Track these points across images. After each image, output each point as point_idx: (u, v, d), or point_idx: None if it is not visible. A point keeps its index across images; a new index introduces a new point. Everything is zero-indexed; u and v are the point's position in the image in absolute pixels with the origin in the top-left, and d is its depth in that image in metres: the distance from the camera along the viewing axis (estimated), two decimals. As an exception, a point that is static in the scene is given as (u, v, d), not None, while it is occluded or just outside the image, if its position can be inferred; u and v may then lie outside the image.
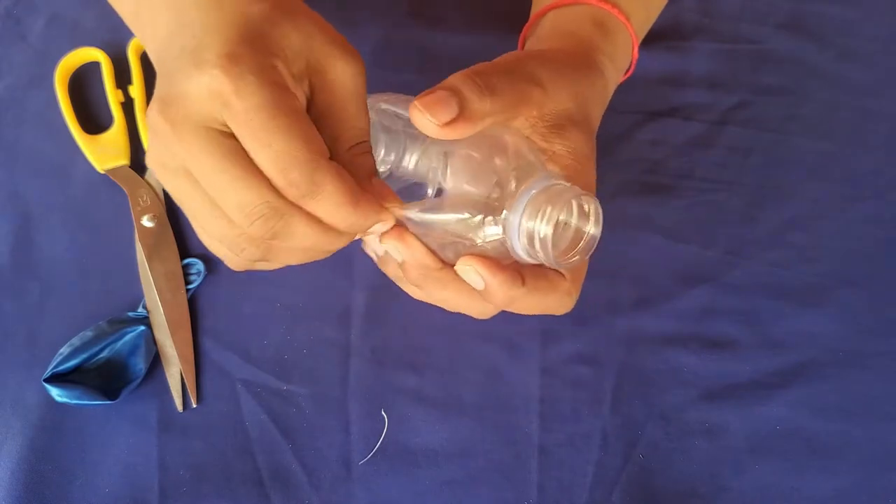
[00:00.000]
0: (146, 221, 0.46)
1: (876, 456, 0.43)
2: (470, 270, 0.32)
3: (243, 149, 0.27)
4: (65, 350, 0.43)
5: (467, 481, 0.42)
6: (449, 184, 0.33)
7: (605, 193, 0.50)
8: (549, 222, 0.30)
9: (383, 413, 0.44)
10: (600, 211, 0.32)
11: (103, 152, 0.49)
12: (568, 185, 0.32)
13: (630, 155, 0.51)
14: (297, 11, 0.30)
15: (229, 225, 0.29)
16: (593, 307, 0.46)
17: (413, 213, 0.32)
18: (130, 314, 0.45)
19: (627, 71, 0.44)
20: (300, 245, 0.30)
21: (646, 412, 0.44)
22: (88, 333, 0.44)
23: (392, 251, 0.34)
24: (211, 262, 0.48)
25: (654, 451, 0.43)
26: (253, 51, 0.27)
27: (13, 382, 0.44)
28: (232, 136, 0.27)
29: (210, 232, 0.31)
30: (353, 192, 0.28)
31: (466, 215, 0.32)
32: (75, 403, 0.43)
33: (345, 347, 0.45)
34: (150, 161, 0.30)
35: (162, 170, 0.30)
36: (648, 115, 0.52)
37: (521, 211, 0.31)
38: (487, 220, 0.32)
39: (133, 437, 0.43)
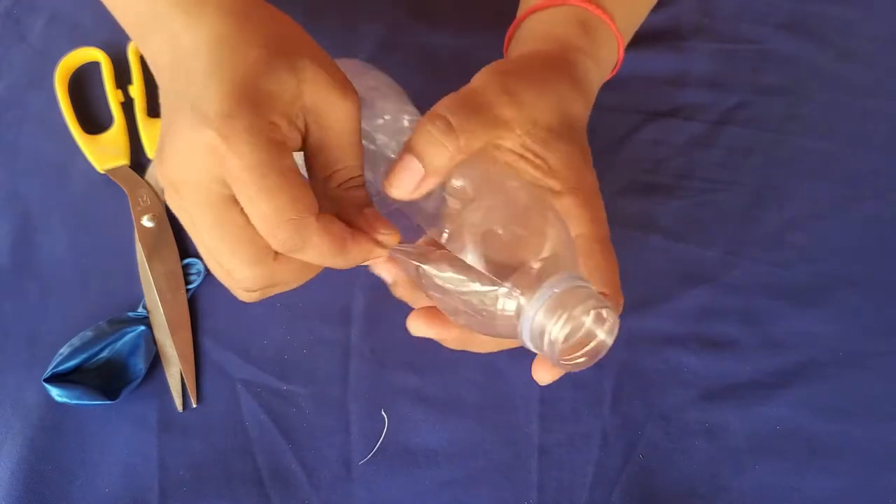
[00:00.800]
0: (146, 221, 0.46)
1: (876, 456, 0.43)
2: (418, 326, 0.35)
3: (239, 205, 0.29)
4: (65, 350, 0.43)
5: (467, 481, 0.42)
6: (457, 239, 0.32)
7: (605, 193, 0.50)
8: (563, 327, 0.30)
9: (383, 413, 0.44)
10: (617, 323, 0.31)
11: (103, 152, 0.49)
12: (591, 288, 0.31)
13: (630, 155, 0.51)
14: (296, 52, 0.30)
15: (226, 275, 0.31)
16: (593, 307, 0.46)
17: (405, 251, 0.33)
18: (130, 314, 0.45)
19: (613, 69, 0.44)
20: (295, 284, 0.34)
21: (646, 412, 0.44)
22: (88, 333, 0.44)
23: (381, 273, 0.36)
24: (211, 262, 0.48)
25: (654, 451, 0.43)
26: (249, 107, 0.28)
27: (13, 382, 0.44)
28: (229, 190, 0.29)
29: (213, 271, 0.32)
30: (340, 242, 0.30)
31: (478, 285, 0.31)
32: (75, 403, 0.43)
33: (345, 347, 0.45)
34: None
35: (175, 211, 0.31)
36: (648, 115, 0.52)
37: (540, 306, 0.30)
38: (500, 292, 0.31)
39: (133, 437, 0.43)
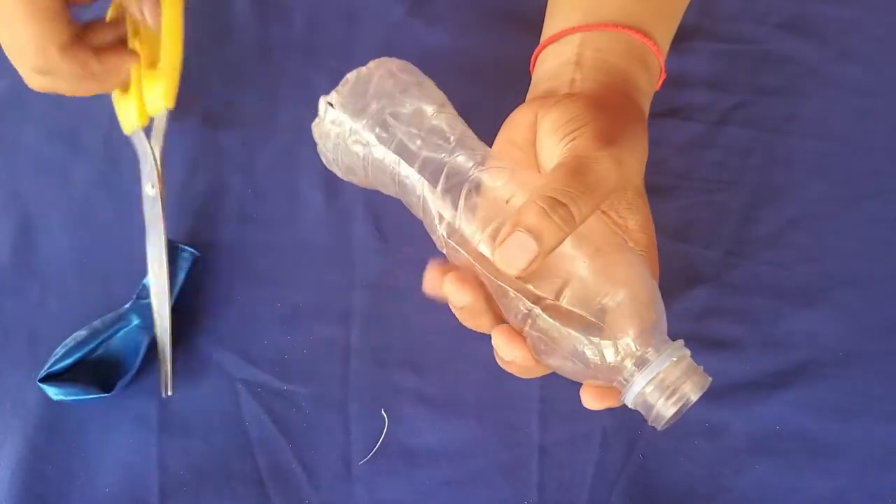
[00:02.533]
0: (148, 189, 0.46)
1: (876, 456, 0.43)
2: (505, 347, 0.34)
3: None
4: (59, 351, 0.43)
5: (467, 481, 0.42)
6: (564, 289, 0.32)
7: (605, 193, 0.50)
8: (675, 405, 0.32)
9: (383, 413, 0.44)
10: (707, 387, 0.33)
11: (126, 113, 0.47)
12: (693, 363, 0.33)
13: (630, 155, 0.51)
14: None
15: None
16: (593, 307, 0.46)
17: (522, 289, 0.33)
18: (135, 298, 0.46)
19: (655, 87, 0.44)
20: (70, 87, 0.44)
21: (646, 412, 0.44)
22: (82, 333, 0.44)
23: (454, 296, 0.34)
24: (205, 251, 0.48)
25: (654, 451, 0.43)
26: None
27: (13, 382, 0.44)
28: None
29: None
30: (83, 65, 0.42)
31: (582, 337, 0.32)
32: (72, 400, 0.43)
33: (345, 347, 0.45)
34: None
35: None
36: (649, 116, 0.52)
37: (650, 378, 0.31)
38: (604, 345, 0.32)
39: (133, 436, 0.43)
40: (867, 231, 0.49)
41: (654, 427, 0.32)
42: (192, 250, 0.47)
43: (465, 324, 0.35)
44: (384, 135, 0.38)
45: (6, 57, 0.55)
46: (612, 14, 0.39)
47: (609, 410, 0.43)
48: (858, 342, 0.45)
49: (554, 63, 0.40)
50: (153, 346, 0.45)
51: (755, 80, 0.54)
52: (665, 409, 0.32)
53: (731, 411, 0.44)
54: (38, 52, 0.39)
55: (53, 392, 0.42)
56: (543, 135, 0.35)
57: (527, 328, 0.33)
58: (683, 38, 0.55)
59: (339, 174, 0.43)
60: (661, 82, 0.43)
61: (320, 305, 0.47)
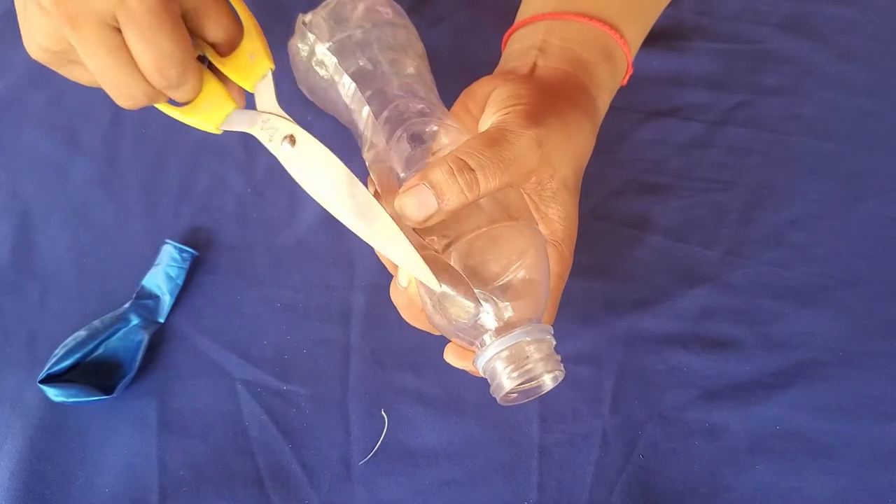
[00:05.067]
0: (286, 145, 0.37)
1: (876, 456, 0.43)
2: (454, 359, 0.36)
3: (126, 46, 0.32)
4: (59, 352, 0.43)
5: (467, 481, 0.42)
6: (456, 246, 0.33)
7: (606, 193, 0.50)
8: (516, 379, 0.32)
9: (383, 413, 0.44)
10: (560, 380, 0.34)
11: (208, 112, 0.38)
12: (552, 350, 0.33)
13: (630, 155, 0.51)
14: None
15: (115, 88, 0.34)
16: (593, 307, 0.46)
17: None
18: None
19: (622, 82, 0.44)
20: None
21: (646, 412, 0.44)
22: (81, 333, 0.44)
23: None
24: (205, 251, 0.48)
25: (654, 451, 0.43)
26: None
27: (13, 382, 0.44)
28: (119, 32, 0.31)
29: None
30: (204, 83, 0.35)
31: (466, 303, 0.32)
32: (72, 402, 0.43)
33: (345, 347, 0.45)
34: (30, 44, 0.34)
35: (43, 53, 0.34)
36: (648, 115, 0.52)
37: (500, 350, 0.32)
38: (479, 311, 0.33)
39: (133, 436, 0.43)
40: (867, 231, 0.49)
41: (494, 398, 0.33)
42: (192, 250, 0.47)
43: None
44: (346, 60, 0.39)
45: (5, 57, 0.55)
46: (584, 5, 0.40)
47: (609, 410, 0.44)
48: (858, 342, 0.45)
49: (520, 46, 0.41)
50: (152, 345, 0.45)
51: (755, 79, 0.54)
52: (506, 381, 0.32)
53: (731, 411, 0.44)
54: (177, 66, 0.33)
55: (54, 393, 0.42)
56: (487, 106, 0.36)
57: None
58: (683, 38, 0.55)
59: (306, 94, 0.44)
60: (627, 77, 0.43)
61: (320, 305, 0.47)
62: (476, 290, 0.32)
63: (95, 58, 0.32)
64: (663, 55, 0.54)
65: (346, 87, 0.40)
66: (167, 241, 0.47)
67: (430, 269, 0.32)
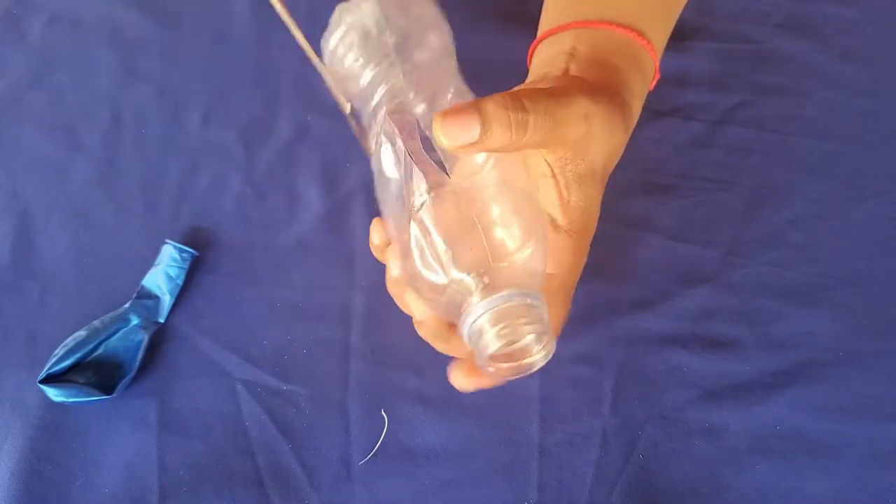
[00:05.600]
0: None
1: (876, 456, 0.43)
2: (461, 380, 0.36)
3: None
4: (59, 352, 0.43)
5: (467, 481, 0.42)
6: (448, 204, 0.32)
7: (606, 193, 0.50)
8: (501, 339, 0.30)
9: (383, 413, 0.44)
10: (552, 352, 0.31)
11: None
12: (544, 312, 0.31)
13: (630, 154, 0.51)
14: None
15: None
16: (593, 307, 0.46)
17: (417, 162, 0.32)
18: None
19: (651, 83, 0.44)
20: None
21: (646, 412, 0.44)
22: (81, 333, 0.44)
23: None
24: (205, 251, 0.48)
25: (654, 451, 0.43)
26: None
27: (13, 382, 0.44)
28: None
29: None
30: None
31: (448, 258, 0.31)
32: (72, 402, 0.43)
33: (345, 347, 0.45)
34: None
35: None
36: (648, 115, 0.52)
37: (491, 308, 0.30)
38: (464, 276, 0.31)
39: (133, 436, 0.43)
40: (867, 231, 0.49)
41: (484, 365, 0.31)
42: (192, 250, 0.47)
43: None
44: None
45: (5, 57, 0.55)
46: (608, 13, 0.40)
47: (609, 410, 0.44)
48: (858, 342, 0.45)
49: (548, 54, 0.40)
50: (152, 345, 0.45)
51: (755, 79, 0.54)
52: (493, 340, 0.29)
53: (731, 411, 0.44)
54: None
55: (54, 393, 0.42)
56: (536, 82, 0.36)
57: (410, 227, 0.32)
58: (683, 38, 0.55)
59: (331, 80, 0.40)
60: (654, 83, 0.43)
61: (320, 305, 0.47)
62: (470, 249, 0.30)
63: None
64: (664, 55, 0.54)
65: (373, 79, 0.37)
66: (167, 241, 0.47)
67: (438, 220, 0.31)
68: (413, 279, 0.32)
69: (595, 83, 0.36)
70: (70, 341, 0.44)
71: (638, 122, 0.52)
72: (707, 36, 0.55)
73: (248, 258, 0.48)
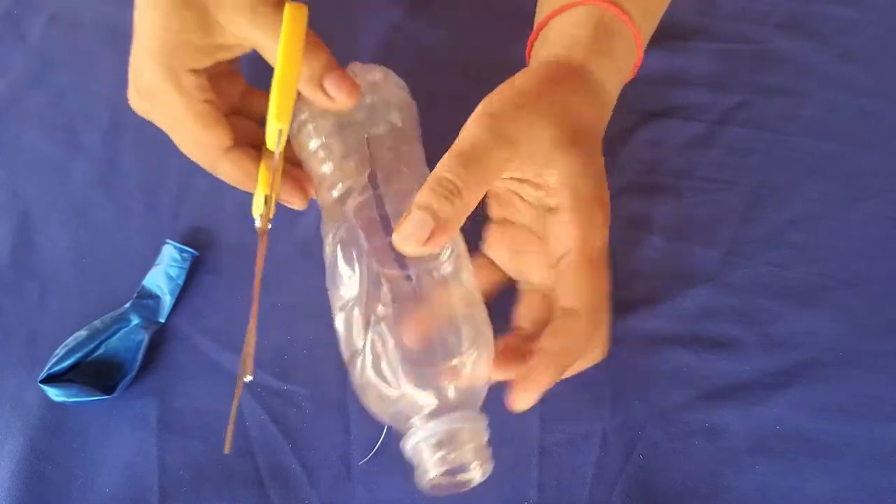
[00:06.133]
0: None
1: (876, 456, 0.43)
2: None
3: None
4: (60, 351, 0.43)
5: (467, 481, 0.42)
6: (397, 321, 0.34)
7: (605, 193, 0.50)
8: (442, 465, 0.32)
9: (383, 413, 0.44)
10: (489, 472, 0.34)
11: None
12: (484, 441, 0.33)
13: (630, 155, 0.51)
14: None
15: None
16: (593, 307, 0.46)
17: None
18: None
19: (634, 67, 0.44)
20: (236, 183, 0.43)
21: (646, 412, 0.44)
22: (82, 333, 0.44)
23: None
24: (205, 251, 0.48)
25: (654, 451, 0.43)
26: (156, 62, 0.38)
27: (13, 382, 0.44)
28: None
29: None
30: (243, 174, 0.42)
31: (399, 376, 0.33)
32: (73, 402, 0.43)
33: (345, 347, 0.45)
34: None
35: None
36: (648, 115, 0.52)
37: (431, 435, 0.32)
38: (412, 393, 0.33)
39: (133, 436, 0.43)
40: (867, 231, 0.49)
41: (417, 483, 0.33)
42: (192, 250, 0.47)
43: None
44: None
45: (5, 57, 0.55)
46: None
47: (609, 410, 0.44)
48: (858, 342, 0.45)
49: (533, 54, 0.42)
50: (153, 345, 0.45)
51: (755, 80, 0.54)
52: (433, 466, 0.32)
53: (731, 411, 0.44)
54: (202, 155, 0.41)
55: (54, 393, 0.42)
56: None
57: (366, 332, 0.35)
58: (683, 38, 0.55)
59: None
60: (639, 43, 0.42)
61: (320, 305, 0.46)
62: (413, 371, 0.33)
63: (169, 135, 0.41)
64: (663, 55, 0.54)
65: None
66: (167, 241, 0.47)
67: (396, 337, 0.34)
68: (364, 385, 0.34)
69: (514, 84, 0.37)
70: (70, 341, 0.44)
71: (637, 123, 0.52)
72: (707, 36, 0.55)
73: (249, 258, 0.48)
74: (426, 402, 0.33)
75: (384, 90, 0.42)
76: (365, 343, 0.34)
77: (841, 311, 0.46)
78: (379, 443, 0.43)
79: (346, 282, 0.37)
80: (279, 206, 0.50)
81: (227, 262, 0.48)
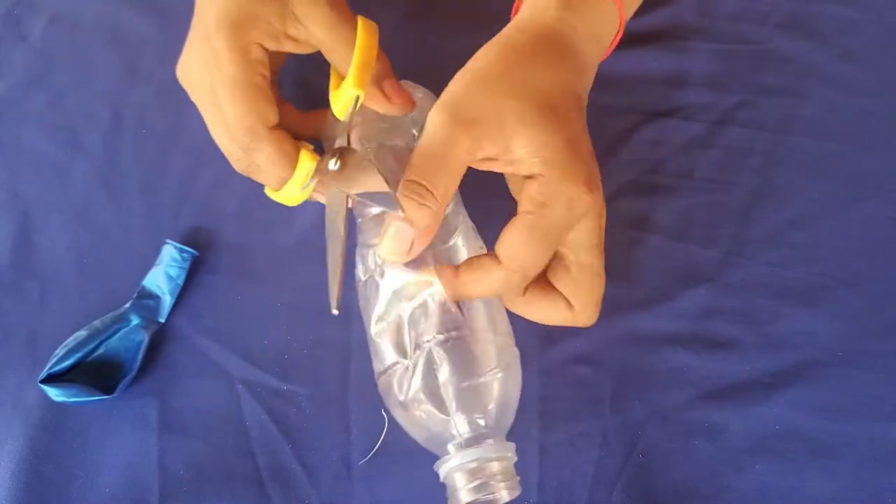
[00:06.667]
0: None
1: (876, 456, 0.43)
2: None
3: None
4: (60, 351, 0.43)
5: (467, 481, 0.42)
6: (430, 363, 0.36)
7: (606, 194, 0.50)
8: (473, 493, 0.34)
9: (383, 413, 0.44)
10: (517, 492, 0.35)
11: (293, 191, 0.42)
12: (513, 468, 0.36)
13: (630, 155, 0.51)
14: None
15: (224, 151, 0.41)
16: (593, 307, 0.46)
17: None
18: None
19: (617, 33, 0.43)
20: (266, 179, 0.41)
21: (646, 412, 0.44)
22: (82, 333, 0.44)
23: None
24: (205, 251, 0.48)
25: (654, 451, 0.43)
26: (229, 30, 0.38)
27: (13, 382, 0.44)
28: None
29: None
30: (285, 154, 0.39)
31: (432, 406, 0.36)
32: (73, 402, 0.43)
33: (345, 347, 0.45)
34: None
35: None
36: (648, 115, 0.52)
37: (466, 462, 0.34)
38: (456, 420, 0.36)
39: (133, 436, 0.43)
40: (867, 231, 0.49)
41: (450, 501, 0.35)
42: (192, 250, 0.47)
43: None
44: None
45: (5, 57, 0.55)
46: None
47: (609, 410, 0.44)
48: (858, 342, 0.45)
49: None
50: (153, 345, 0.45)
51: (755, 80, 0.54)
52: (464, 494, 0.34)
53: (731, 411, 0.44)
54: (245, 131, 0.39)
55: (55, 393, 0.42)
56: None
57: (417, 354, 0.36)
58: (683, 38, 0.55)
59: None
60: (622, 10, 0.42)
61: (320, 305, 0.46)
62: (447, 399, 0.35)
63: (203, 113, 0.41)
64: (663, 55, 0.54)
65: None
66: (167, 241, 0.47)
67: (440, 362, 0.36)
68: (408, 402, 0.37)
69: (474, 64, 0.38)
70: (71, 341, 0.44)
71: (637, 123, 0.52)
72: (707, 36, 0.55)
73: (249, 258, 0.48)
74: (464, 430, 0.35)
75: (423, 109, 0.43)
76: (416, 363, 0.36)
77: (841, 311, 0.46)
78: (379, 443, 0.43)
79: (390, 295, 0.38)
80: (278, 206, 0.50)
81: (227, 262, 0.48)
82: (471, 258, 0.36)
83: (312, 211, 0.49)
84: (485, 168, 0.37)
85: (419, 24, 0.55)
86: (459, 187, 0.36)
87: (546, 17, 0.38)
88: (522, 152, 0.34)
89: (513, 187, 0.39)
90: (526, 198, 0.35)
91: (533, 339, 0.45)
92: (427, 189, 0.34)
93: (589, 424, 0.43)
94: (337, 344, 0.45)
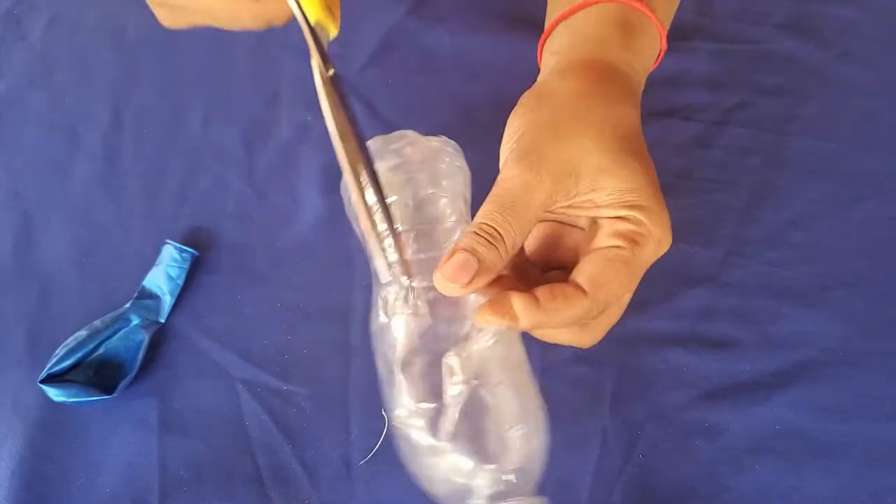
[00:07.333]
0: None
1: (876, 456, 0.43)
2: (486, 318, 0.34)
3: None
4: (60, 351, 0.43)
5: (467, 481, 0.42)
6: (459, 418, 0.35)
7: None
8: None
9: (383, 413, 0.44)
10: None
11: None
12: None
13: (630, 155, 0.51)
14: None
15: None
16: (593, 307, 0.46)
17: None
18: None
19: (657, 59, 0.43)
20: None
21: (646, 412, 0.44)
22: (82, 333, 0.44)
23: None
24: (205, 251, 0.48)
25: (654, 451, 0.43)
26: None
27: (13, 382, 0.44)
28: None
29: None
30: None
31: (467, 460, 0.34)
32: (73, 402, 0.43)
33: (345, 347, 0.45)
34: None
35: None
36: (648, 115, 0.52)
37: None
38: (479, 473, 0.34)
39: (133, 436, 0.43)
40: (867, 231, 0.49)
41: None
42: (192, 250, 0.47)
43: None
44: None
45: (6, 57, 0.55)
46: None
47: (609, 410, 0.44)
48: (858, 342, 0.45)
49: (545, 56, 0.41)
50: (153, 345, 0.45)
51: (755, 80, 0.54)
52: None
53: (731, 411, 0.44)
54: None
55: (55, 393, 0.42)
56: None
57: (445, 408, 0.35)
58: (683, 38, 0.55)
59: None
60: (663, 36, 0.42)
61: (320, 305, 0.47)
62: (481, 447, 0.34)
63: None
64: (663, 55, 0.54)
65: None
66: (167, 241, 0.47)
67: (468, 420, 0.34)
68: (437, 449, 0.35)
69: (542, 106, 0.36)
70: (71, 341, 0.44)
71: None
72: (707, 36, 0.55)
73: (249, 258, 0.48)
74: (490, 487, 0.34)
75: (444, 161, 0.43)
76: (449, 409, 0.35)
77: (841, 311, 0.46)
78: (379, 443, 0.43)
79: (424, 332, 0.37)
80: (277, 207, 0.50)
81: (227, 262, 0.48)
82: (549, 287, 0.34)
83: (313, 211, 0.49)
84: (556, 216, 0.37)
85: (420, 23, 0.55)
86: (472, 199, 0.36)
87: (608, 56, 0.38)
88: (609, 199, 0.35)
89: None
90: (616, 234, 0.34)
91: (534, 339, 0.45)
92: (498, 233, 0.33)
93: (589, 424, 0.43)
94: (337, 344, 0.45)
